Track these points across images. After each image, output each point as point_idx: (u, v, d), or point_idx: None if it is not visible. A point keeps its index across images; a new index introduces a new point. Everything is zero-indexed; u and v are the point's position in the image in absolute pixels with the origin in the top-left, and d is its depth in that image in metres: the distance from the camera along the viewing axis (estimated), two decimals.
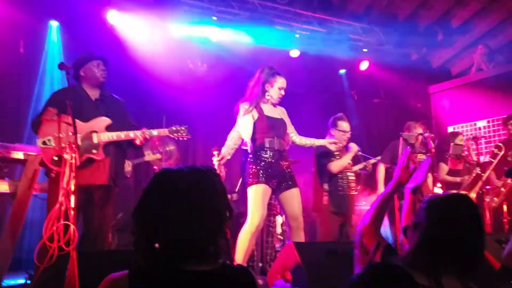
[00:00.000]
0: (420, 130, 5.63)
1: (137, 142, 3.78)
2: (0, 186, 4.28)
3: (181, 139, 3.97)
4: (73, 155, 3.15)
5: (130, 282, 1.41)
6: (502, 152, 5.66)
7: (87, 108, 3.76)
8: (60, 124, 3.53)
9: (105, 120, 3.75)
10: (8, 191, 4.32)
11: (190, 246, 1.46)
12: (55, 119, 3.53)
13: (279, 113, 4.27)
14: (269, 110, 4.18)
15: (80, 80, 3.90)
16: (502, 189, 5.94)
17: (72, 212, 3.09)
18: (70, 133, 3.28)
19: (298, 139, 4.36)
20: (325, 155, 4.99)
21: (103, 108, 3.81)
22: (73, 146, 3.18)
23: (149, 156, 5.65)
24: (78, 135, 3.53)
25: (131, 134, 3.73)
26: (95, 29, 6.28)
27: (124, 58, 6.38)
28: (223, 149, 4.07)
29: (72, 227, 3.06)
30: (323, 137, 5.03)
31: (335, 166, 4.95)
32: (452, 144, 6.08)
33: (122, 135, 3.72)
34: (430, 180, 5.84)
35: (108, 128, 3.73)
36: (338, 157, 5.01)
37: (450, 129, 8.09)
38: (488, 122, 7.94)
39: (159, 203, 1.46)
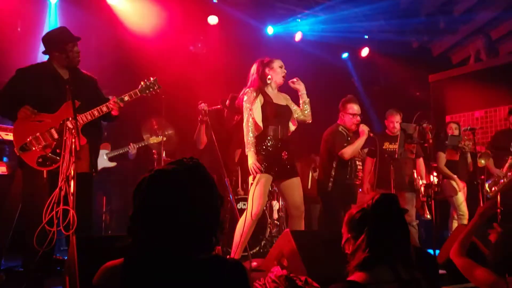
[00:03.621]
0: (398, 119, 5.62)
1: (113, 113, 3.70)
2: None
3: (155, 93, 3.84)
4: (73, 140, 3.13)
5: (123, 270, 1.46)
6: None
7: (57, 88, 3.62)
8: (34, 123, 3.49)
9: (71, 105, 3.53)
10: (6, 173, 4.35)
11: (188, 239, 1.49)
12: (30, 119, 3.48)
13: (284, 99, 4.22)
14: (274, 96, 4.13)
15: (52, 58, 3.73)
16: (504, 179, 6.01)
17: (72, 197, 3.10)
18: (70, 118, 3.25)
19: (303, 115, 4.23)
20: (337, 140, 4.89)
21: (73, 88, 3.56)
22: (73, 131, 3.16)
23: (148, 140, 5.67)
24: (53, 129, 3.50)
25: (104, 108, 3.64)
26: (94, 8, 6.20)
27: (122, 39, 6.31)
28: (252, 151, 3.92)
29: (71, 211, 3.08)
30: (326, 122, 4.97)
31: (347, 152, 4.82)
32: (449, 134, 6.12)
33: (95, 112, 3.62)
34: (422, 168, 5.88)
35: (78, 110, 3.53)
36: (346, 144, 4.90)
37: (448, 118, 8.10)
38: (486, 112, 7.95)
39: (155, 204, 1.48)
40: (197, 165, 1.57)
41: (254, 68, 4.18)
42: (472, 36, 8.37)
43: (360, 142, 4.84)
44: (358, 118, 4.96)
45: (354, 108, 4.98)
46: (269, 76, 4.11)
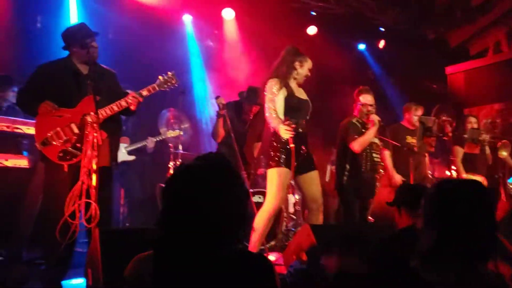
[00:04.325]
0: (419, 113, 5.54)
1: (132, 108, 3.72)
2: (20, 161, 4.37)
3: (173, 87, 3.86)
4: (95, 134, 3.16)
5: (154, 263, 1.48)
6: None
7: (77, 84, 3.64)
8: (54, 118, 3.52)
9: (92, 100, 3.52)
10: (27, 166, 4.41)
11: (216, 233, 1.50)
12: (50, 114, 3.51)
13: (304, 93, 4.19)
14: (296, 90, 4.10)
15: (72, 53, 3.75)
16: None
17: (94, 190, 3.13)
18: (92, 113, 3.28)
19: None
20: (349, 132, 4.82)
21: (92, 83, 3.56)
22: (95, 125, 3.18)
23: (165, 133, 5.70)
24: (73, 124, 3.53)
25: (123, 102, 3.66)
26: (112, 2, 6.23)
27: (144, 36, 6.32)
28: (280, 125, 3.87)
29: (94, 205, 3.11)
30: (344, 114, 4.93)
31: (357, 143, 4.72)
32: (469, 128, 6.04)
33: (114, 107, 3.64)
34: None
35: (98, 105, 3.51)
36: (357, 136, 4.80)
37: (466, 111, 7.99)
38: (506, 104, 7.83)
39: (184, 199, 1.50)
40: (224, 160, 1.59)
41: (283, 57, 4.11)
42: (491, 26, 8.22)
43: (370, 133, 4.74)
44: (369, 108, 4.85)
45: (367, 98, 4.88)
46: (296, 72, 4.08)
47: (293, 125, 3.80)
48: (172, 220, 1.51)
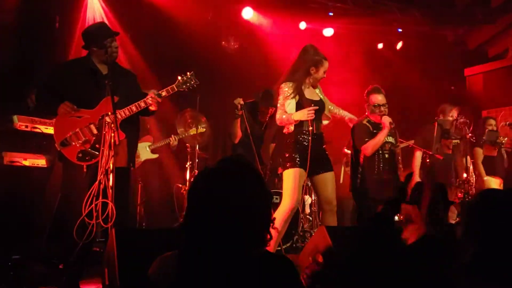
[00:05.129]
0: (455, 114, 5.47)
1: (152, 108, 3.73)
2: (38, 160, 4.43)
3: (191, 88, 3.85)
4: (112, 134, 3.18)
5: (178, 262, 1.51)
6: None
7: (96, 84, 3.68)
8: (73, 118, 3.56)
9: (110, 100, 3.50)
10: (45, 166, 4.46)
11: (242, 235, 1.51)
12: (69, 115, 3.55)
13: (318, 93, 4.20)
14: (309, 92, 4.10)
15: (91, 53, 3.77)
16: None
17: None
18: (109, 113, 3.30)
19: (337, 110, 4.40)
20: (358, 133, 4.77)
21: (112, 83, 3.53)
22: (112, 125, 3.20)
23: (189, 131, 5.73)
24: (92, 125, 3.56)
25: (142, 103, 3.67)
26: (134, 4, 6.27)
27: (161, 35, 6.34)
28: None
29: (110, 204, 3.12)
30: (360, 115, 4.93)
31: (368, 147, 4.66)
32: (487, 130, 5.96)
33: (133, 107, 3.65)
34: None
35: (117, 105, 3.51)
36: (367, 139, 4.72)
37: (484, 113, 7.88)
38: None
39: (210, 201, 1.51)
40: (247, 162, 1.62)
41: (300, 58, 4.12)
42: (510, 28, 8.10)
43: (381, 135, 4.64)
44: (382, 108, 4.75)
45: (378, 98, 4.77)
46: (311, 77, 4.08)
47: (315, 107, 3.89)
48: (197, 222, 1.52)
